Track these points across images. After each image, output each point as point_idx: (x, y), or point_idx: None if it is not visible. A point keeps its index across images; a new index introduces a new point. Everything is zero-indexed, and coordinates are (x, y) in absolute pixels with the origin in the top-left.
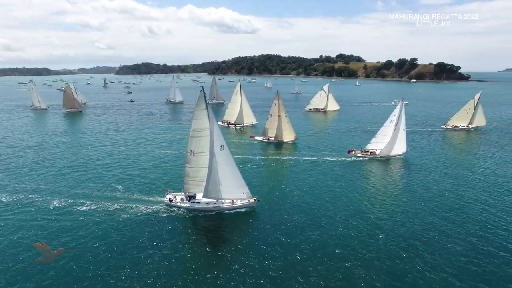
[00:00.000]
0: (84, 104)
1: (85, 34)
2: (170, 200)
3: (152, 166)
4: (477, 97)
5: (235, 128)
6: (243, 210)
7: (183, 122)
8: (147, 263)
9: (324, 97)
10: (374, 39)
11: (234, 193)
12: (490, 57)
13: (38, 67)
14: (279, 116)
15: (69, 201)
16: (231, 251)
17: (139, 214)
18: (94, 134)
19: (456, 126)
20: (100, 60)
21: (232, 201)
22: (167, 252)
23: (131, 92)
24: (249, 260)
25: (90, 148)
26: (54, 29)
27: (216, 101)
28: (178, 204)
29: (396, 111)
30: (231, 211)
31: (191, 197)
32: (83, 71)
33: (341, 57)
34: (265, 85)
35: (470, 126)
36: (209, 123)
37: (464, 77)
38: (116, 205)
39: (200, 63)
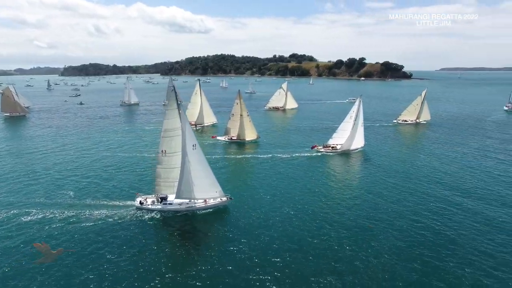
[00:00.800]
0: (27, 108)
1: (21, 32)
2: (141, 203)
3: (115, 170)
4: (423, 93)
5: (196, 128)
6: (216, 209)
7: (141, 124)
8: (120, 267)
9: (283, 96)
10: (325, 39)
11: (207, 192)
12: (427, 57)
13: None
14: (241, 115)
15: (13, 211)
16: (204, 252)
17: (108, 219)
18: (43, 139)
19: (405, 120)
20: (40, 60)
21: (205, 201)
22: (140, 255)
23: (79, 95)
24: (220, 259)
25: (41, 155)
26: None
27: None
28: (149, 206)
29: (354, 107)
30: (204, 211)
31: (163, 199)
32: (21, 72)
33: (294, 56)
34: (221, 85)
35: (417, 120)
36: (180, 123)
37: (407, 76)
38: (79, 211)
39: (153, 63)
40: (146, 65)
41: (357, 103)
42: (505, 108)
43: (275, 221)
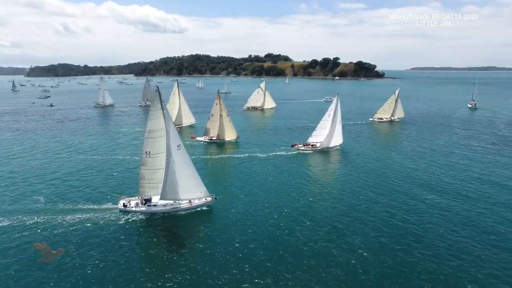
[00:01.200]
0: None
1: None
2: (124, 205)
3: (91, 173)
4: (397, 92)
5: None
6: (200, 209)
7: (117, 126)
8: (104, 269)
9: (261, 95)
10: (299, 39)
11: (192, 193)
12: (399, 57)
13: None
14: (220, 115)
15: None
16: (185, 254)
17: (91, 223)
18: (13, 144)
19: (381, 118)
20: (3, 60)
21: (190, 201)
22: (126, 257)
23: (49, 96)
24: (200, 260)
25: (12, 160)
26: None
27: (150, 103)
28: (133, 209)
29: (332, 106)
30: (189, 211)
31: (147, 201)
32: None
33: (269, 56)
34: (197, 85)
35: (392, 118)
36: (164, 123)
37: (380, 75)
38: (56, 216)
39: (126, 63)
40: (119, 66)
41: (334, 101)
42: (469, 105)
43: (255, 221)
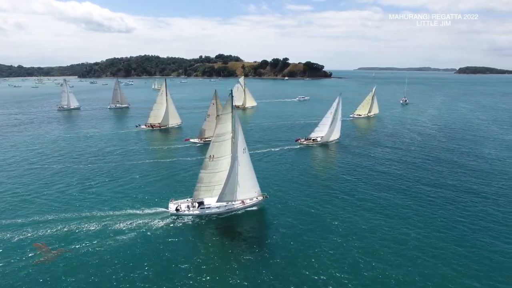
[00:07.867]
0: None
1: None
2: (177, 209)
3: (113, 179)
4: (373, 90)
5: (160, 129)
6: (251, 208)
7: (96, 128)
8: (163, 274)
9: (241, 92)
10: (250, 40)
11: (248, 193)
12: (346, 57)
13: None
14: (217, 116)
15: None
16: (250, 252)
17: (144, 227)
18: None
19: (360, 115)
20: None
21: (242, 201)
22: (184, 260)
23: None
24: (266, 263)
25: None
26: None
27: (120, 105)
28: (186, 212)
29: (334, 104)
30: (241, 211)
31: (200, 203)
32: None
33: (220, 57)
34: (153, 87)
35: (369, 114)
36: (231, 127)
37: (327, 75)
38: (110, 222)
39: (69, 64)
40: (60, 67)
41: (337, 99)
42: (401, 102)
43: (302, 214)
